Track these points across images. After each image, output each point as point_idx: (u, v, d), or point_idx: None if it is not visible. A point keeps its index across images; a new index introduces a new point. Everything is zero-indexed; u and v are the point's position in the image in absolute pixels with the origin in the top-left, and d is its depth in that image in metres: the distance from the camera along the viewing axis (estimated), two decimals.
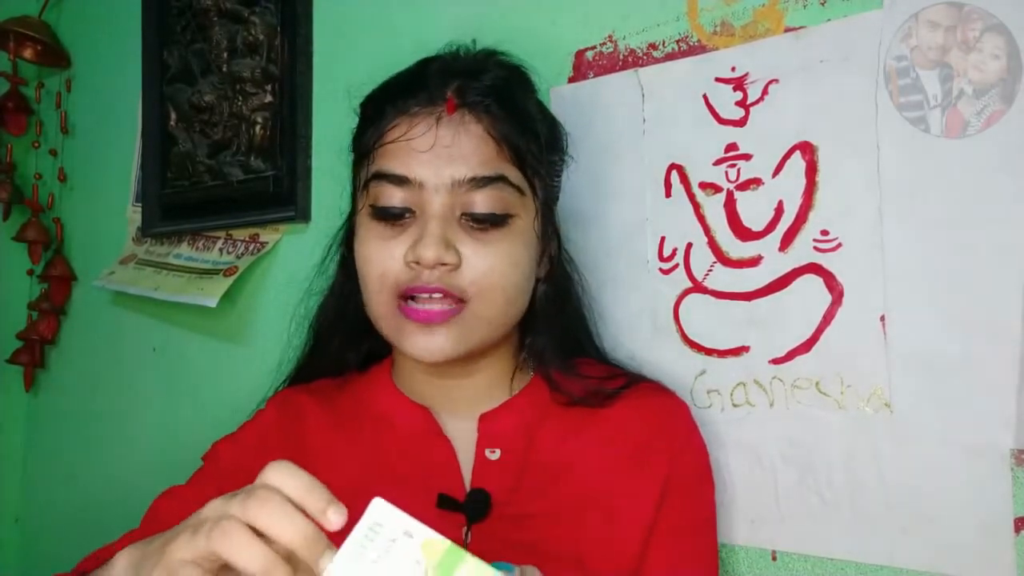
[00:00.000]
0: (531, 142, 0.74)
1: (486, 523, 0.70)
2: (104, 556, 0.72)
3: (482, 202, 0.70)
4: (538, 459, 0.74)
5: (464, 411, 0.77)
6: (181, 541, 0.46)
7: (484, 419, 0.76)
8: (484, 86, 0.73)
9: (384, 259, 0.71)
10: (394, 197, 0.71)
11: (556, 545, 0.70)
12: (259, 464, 0.74)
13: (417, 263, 0.69)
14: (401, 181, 0.71)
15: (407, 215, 0.71)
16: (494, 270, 0.70)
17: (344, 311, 0.83)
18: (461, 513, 0.70)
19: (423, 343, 0.70)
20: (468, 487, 0.73)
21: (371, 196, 0.73)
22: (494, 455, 0.74)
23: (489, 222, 0.71)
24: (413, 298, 0.70)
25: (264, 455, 0.75)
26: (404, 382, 0.79)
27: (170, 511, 0.73)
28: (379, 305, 0.72)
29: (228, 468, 0.76)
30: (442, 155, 0.70)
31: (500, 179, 0.71)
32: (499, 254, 0.71)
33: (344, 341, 0.84)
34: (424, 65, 0.77)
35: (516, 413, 0.77)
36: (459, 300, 0.70)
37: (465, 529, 0.70)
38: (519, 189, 0.72)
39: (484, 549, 0.68)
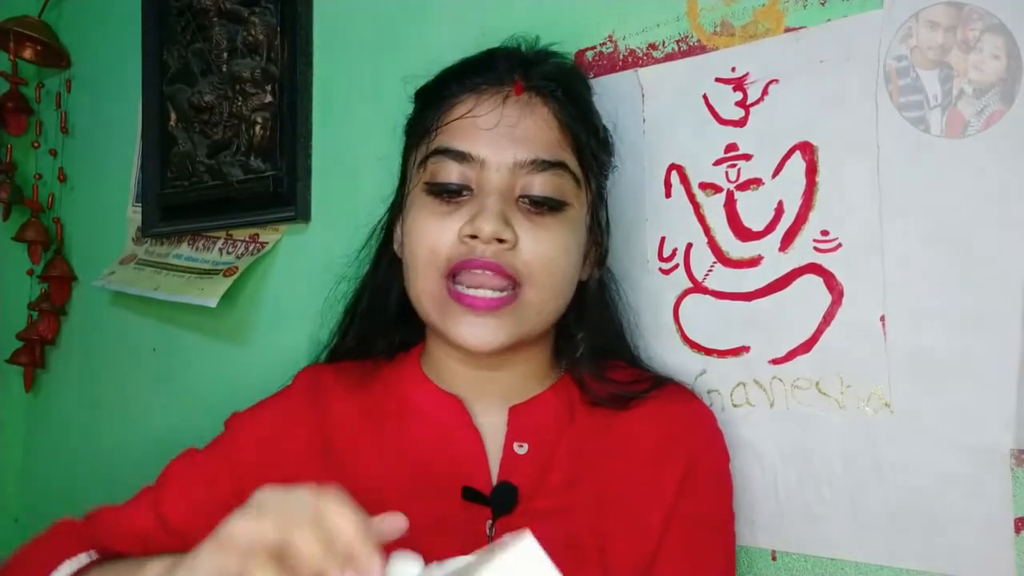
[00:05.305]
0: (591, 135, 0.76)
1: (511, 517, 0.70)
2: (120, 517, 0.73)
3: (541, 185, 0.71)
4: (564, 455, 0.74)
5: (494, 403, 0.76)
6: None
7: (514, 412, 0.75)
8: (551, 71, 0.75)
9: (437, 234, 0.70)
10: (452, 173, 0.71)
11: (580, 540, 0.69)
12: (280, 461, 0.75)
13: (473, 237, 0.69)
14: (462, 157, 0.71)
15: (464, 192, 0.71)
16: (548, 254, 0.70)
17: (378, 296, 0.83)
18: (486, 506, 0.70)
19: (470, 331, 0.69)
20: (495, 480, 0.72)
21: (428, 173, 0.73)
22: (522, 449, 0.73)
23: (546, 206, 0.71)
24: (463, 282, 0.70)
25: (288, 453, 0.75)
26: (435, 371, 0.78)
27: (184, 477, 0.74)
28: (426, 282, 0.71)
29: (246, 453, 0.75)
30: (506, 135, 0.71)
31: (560, 165, 0.72)
32: (554, 239, 0.71)
33: (376, 327, 0.83)
34: (491, 51, 0.79)
35: (546, 408, 0.76)
36: (510, 279, 0.69)
37: (490, 523, 0.70)
38: (576, 179, 0.73)
39: None
